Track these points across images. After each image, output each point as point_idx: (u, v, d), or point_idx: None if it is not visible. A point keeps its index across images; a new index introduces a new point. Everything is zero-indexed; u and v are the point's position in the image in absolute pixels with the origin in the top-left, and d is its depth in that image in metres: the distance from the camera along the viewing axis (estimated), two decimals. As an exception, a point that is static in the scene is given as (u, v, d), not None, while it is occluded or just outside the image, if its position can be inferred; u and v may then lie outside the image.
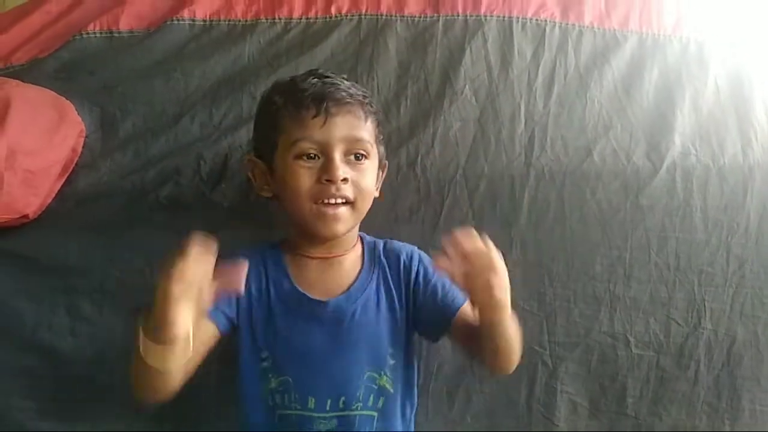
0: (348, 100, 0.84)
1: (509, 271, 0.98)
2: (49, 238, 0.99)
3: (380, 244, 0.91)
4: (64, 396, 0.99)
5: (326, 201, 0.82)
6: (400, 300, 0.87)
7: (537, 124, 1.05)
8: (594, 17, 1.13)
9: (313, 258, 0.88)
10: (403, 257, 0.89)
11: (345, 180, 0.81)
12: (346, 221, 0.83)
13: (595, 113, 1.07)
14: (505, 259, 0.99)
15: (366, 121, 0.85)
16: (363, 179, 0.84)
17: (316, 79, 0.85)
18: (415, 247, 0.92)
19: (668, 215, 1.03)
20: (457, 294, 0.85)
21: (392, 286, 0.87)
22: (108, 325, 0.98)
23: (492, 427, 1.02)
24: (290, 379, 0.83)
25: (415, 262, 0.89)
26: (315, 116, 0.82)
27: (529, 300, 1.01)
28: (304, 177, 0.82)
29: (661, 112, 1.08)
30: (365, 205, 0.85)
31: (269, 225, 1.00)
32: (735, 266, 1.04)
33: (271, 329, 0.85)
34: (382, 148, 0.90)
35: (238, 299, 0.85)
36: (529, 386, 1.01)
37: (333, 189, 0.81)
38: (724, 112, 1.10)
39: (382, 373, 0.84)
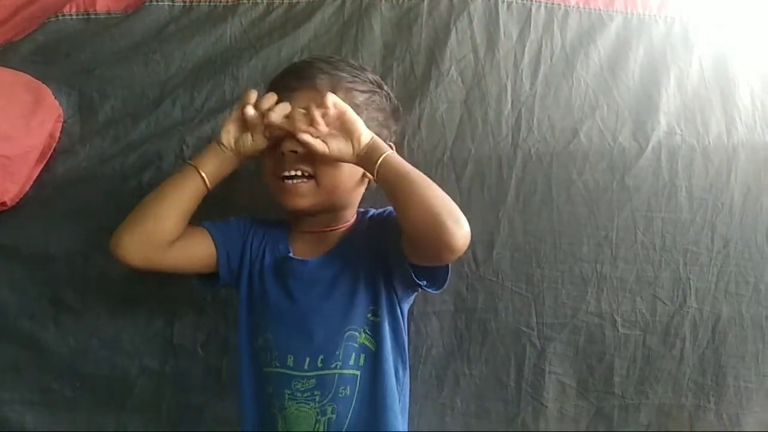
0: (313, 74, 0.82)
1: (498, 253, 1.01)
2: (28, 225, 0.97)
3: (371, 211, 0.91)
4: (47, 387, 0.98)
5: (283, 174, 0.81)
6: (379, 258, 0.85)
7: (523, 105, 1.05)
8: (580, -4, 1.12)
9: (309, 232, 0.89)
10: (384, 215, 0.88)
11: (294, 152, 0.80)
12: (307, 195, 0.82)
13: (581, 93, 1.06)
14: (493, 241, 1.01)
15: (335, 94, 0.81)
16: None
17: (304, 61, 0.85)
18: None
19: (654, 195, 1.04)
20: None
21: (374, 246, 0.85)
22: (91, 313, 0.97)
23: (481, 409, 1.02)
24: (270, 337, 0.84)
25: (392, 214, 0.85)
26: (280, 93, 0.82)
27: (517, 281, 1.01)
28: (267, 153, 0.83)
29: (647, 92, 1.08)
30: (332, 182, 0.82)
31: (253, 208, 0.99)
32: (720, 245, 1.05)
33: (260, 287, 0.86)
34: (376, 130, 0.84)
35: (242, 254, 0.87)
36: (517, 368, 1.01)
37: (285, 163, 0.80)
38: (708, 92, 1.10)
39: (362, 331, 0.83)
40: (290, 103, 0.80)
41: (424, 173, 0.98)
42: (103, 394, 0.98)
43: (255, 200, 0.99)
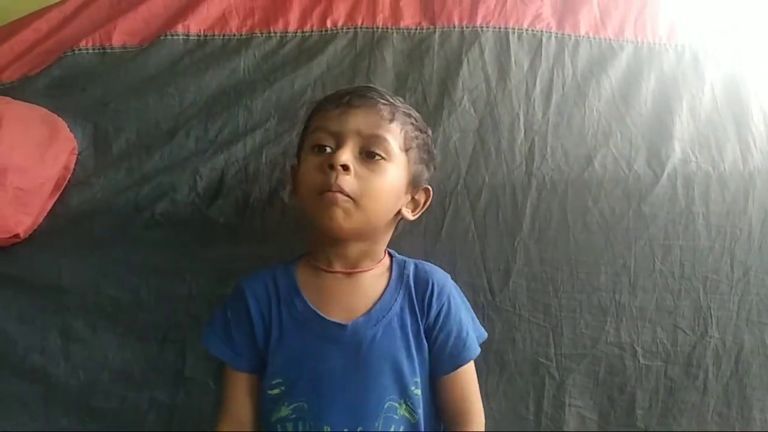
0: (375, 98, 0.82)
1: (514, 282, 0.99)
2: (40, 257, 0.96)
3: (411, 264, 0.86)
4: (56, 423, 0.95)
5: (326, 190, 0.77)
6: (423, 324, 0.82)
7: (536, 133, 1.05)
8: (589, 27, 1.13)
9: (332, 272, 0.83)
10: (430, 288, 0.83)
11: (346, 168, 0.77)
12: (347, 214, 0.77)
13: (594, 122, 1.06)
14: (509, 270, 0.99)
15: (391, 122, 0.81)
16: (374, 178, 0.78)
17: (361, 86, 0.86)
18: (448, 279, 0.87)
19: (671, 223, 1.02)
20: (456, 357, 0.83)
21: (417, 311, 0.82)
22: (102, 346, 0.95)
23: (501, 444, 0.99)
24: (305, 405, 0.78)
25: (441, 298, 0.83)
26: (336, 108, 0.81)
27: (534, 311, 0.99)
28: (313, 167, 0.79)
29: (660, 119, 1.08)
30: (372, 208, 0.79)
31: (266, 240, 0.98)
32: (740, 273, 1.03)
33: (284, 353, 0.81)
34: (420, 168, 0.85)
35: (254, 331, 0.82)
36: (536, 400, 0.98)
37: (333, 176, 0.76)
38: (722, 118, 1.09)
39: (404, 402, 0.79)
40: (349, 119, 0.80)
41: (439, 202, 1.00)
42: (114, 428, 0.96)
43: (266, 228, 0.99)
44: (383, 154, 0.79)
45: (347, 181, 0.77)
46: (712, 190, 1.04)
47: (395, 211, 0.84)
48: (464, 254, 0.99)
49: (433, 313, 0.82)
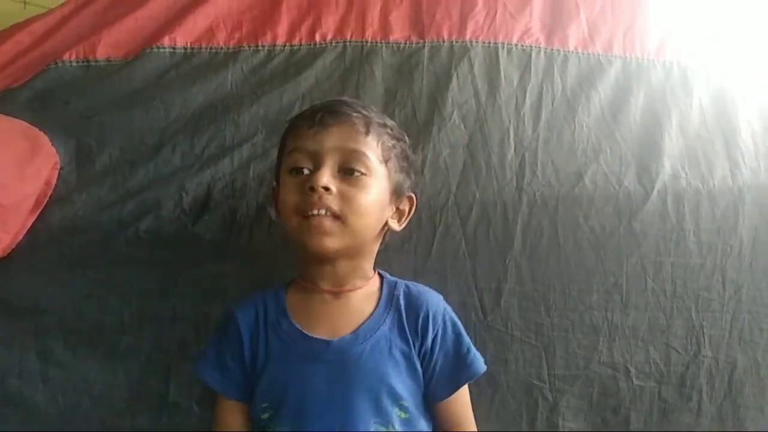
0: (348, 112, 0.80)
1: (506, 301, 0.98)
2: (19, 276, 0.93)
3: (402, 285, 0.84)
4: (34, 448, 0.92)
5: (310, 213, 0.75)
6: (416, 348, 0.79)
7: (527, 149, 1.04)
8: (578, 42, 1.13)
9: (320, 292, 0.81)
10: (424, 312, 0.81)
11: (327, 189, 0.75)
12: (332, 235, 0.76)
13: (584, 137, 1.06)
14: (500, 288, 0.98)
15: (367, 135, 0.79)
16: (356, 194, 0.77)
17: (333, 100, 0.83)
18: (442, 300, 0.85)
19: (662, 240, 1.02)
20: (458, 376, 0.81)
21: (408, 335, 0.80)
22: (82, 369, 0.92)
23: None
24: (289, 430, 0.76)
25: (437, 321, 0.81)
26: (310, 127, 0.79)
27: (526, 331, 0.97)
28: (293, 190, 0.78)
29: (650, 135, 1.07)
30: (360, 224, 0.77)
31: (254, 258, 0.96)
32: (731, 291, 1.02)
33: (269, 376, 0.79)
34: (401, 177, 0.84)
35: (242, 357, 0.80)
36: (529, 423, 0.96)
37: (315, 198, 0.75)
38: (710, 134, 1.10)
39: (391, 425, 0.76)
40: (324, 137, 0.78)
41: (429, 219, 0.99)
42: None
43: (254, 245, 0.96)
44: (363, 170, 0.78)
45: (330, 201, 0.76)
46: (702, 206, 1.04)
47: (381, 225, 0.83)
48: (455, 272, 0.98)
49: (429, 337, 0.80)
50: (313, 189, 0.75)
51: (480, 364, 0.82)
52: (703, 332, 1.01)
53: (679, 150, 1.07)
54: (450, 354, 0.81)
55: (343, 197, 0.76)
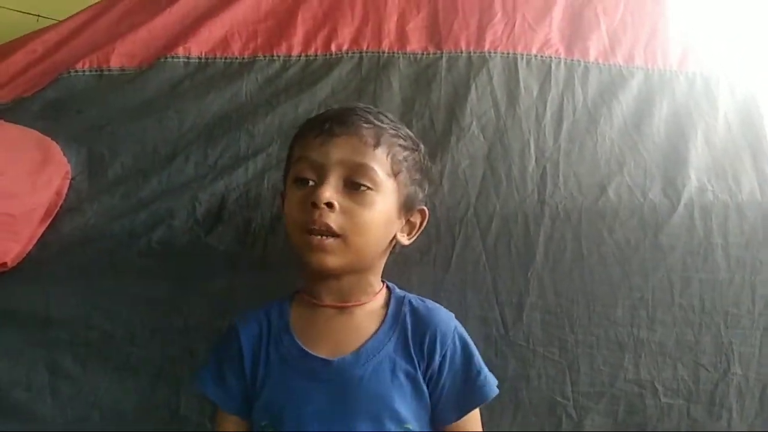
0: (358, 123, 0.76)
1: (528, 316, 0.94)
2: (28, 287, 0.91)
3: (409, 301, 0.80)
4: (41, 465, 0.89)
5: (311, 228, 0.72)
6: (421, 369, 0.75)
7: (548, 160, 1.01)
8: (599, 53, 1.11)
9: (323, 306, 0.78)
10: (431, 332, 0.76)
11: (330, 206, 0.72)
12: (334, 254, 0.73)
13: (606, 149, 1.03)
14: (522, 303, 0.95)
15: (376, 148, 0.76)
16: (361, 212, 0.74)
17: (344, 107, 0.81)
18: (452, 319, 0.80)
19: (689, 254, 0.98)
20: (468, 400, 0.77)
21: (414, 355, 0.75)
22: (92, 383, 0.89)
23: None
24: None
25: (446, 342, 0.76)
26: (316, 136, 0.76)
27: (549, 347, 0.94)
28: (296, 203, 0.75)
29: (674, 147, 1.05)
30: (362, 242, 0.74)
31: (269, 270, 0.93)
32: (761, 306, 0.99)
33: (268, 394, 0.75)
34: (412, 189, 0.80)
35: (243, 372, 0.77)
36: (553, 442, 0.93)
37: (316, 215, 0.72)
38: (737, 147, 1.07)
39: None
40: (330, 149, 0.75)
41: (448, 230, 0.96)
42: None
43: (268, 257, 0.94)
44: (369, 184, 0.75)
45: (332, 219, 0.73)
46: (731, 220, 1.01)
47: (388, 240, 0.79)
48: (475, 286, 0.95)
49: (437, 359, 0.75)
50: (315, 205, 0.72)
51: (491, 387, 0.77)
52: (733, 349, 0.98)
53: (705, 162, 1.04)
54: (459, 376, 0.76)
55: (347, 214, 0.73)
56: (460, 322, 0.89)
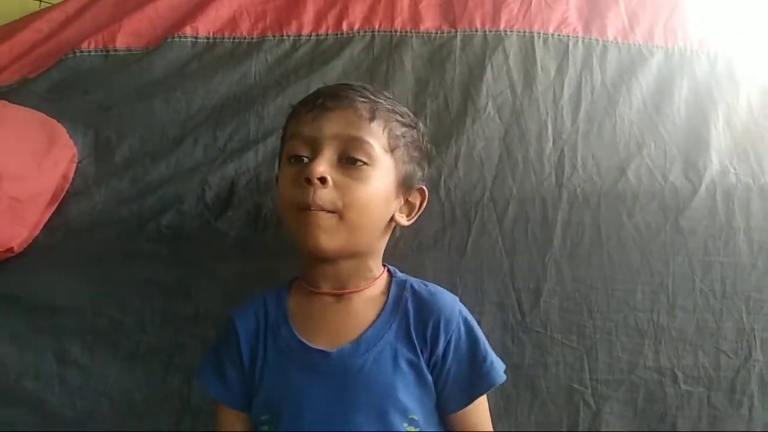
0: (352, 96, 0.73)
1: (545, 302, 0.92)
2: (35, 273, 0.89)
3: (411, 285, 0.77)
4: (50, 453, 0.88)
5: (304, 206, 0.69)
6: (424, 356, 0.72)
7: (566, 142, 0.99)
8: (617, 32, 1.08)
9: (321, 294, 0.75)
10: (435, 317, 0.73)
11: (323, 180, 0.69)
12: (329, 233, 0.70)
13: (626, 131, 1.01)
14: (539, 288, 0.93)
15: (372, 122, 0.73)
16: (356, 187, 0.70)
17: (339, 84, 0.78)
18: (457, 302, 0.77)
19: (711, 238, 0.96)
20: (476, 386, 0.73)
21: (415, 341, 0.72)
22: (101, 371, 0.87)
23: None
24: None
25: (450, 327, 0.73)
26: (309, 111, 0.73)
27: (567, 333, 0.92)
28: (289, 181, 0.72)
29: (695, 129, 1.02)
30: (360, 220, 0.71)
31: (280, 255, 0.91)
32: (784, 292, 0.96)
33: (267, 387, 0.73)
34: (410, 167, 0.77)
35: (242, 365, 0.75)
36: (571, 430, 0.91)
37: (310, 191, 0.69)
38: (759, 128, 1.04)
39: None
40: (323, 123, 0.72)
41: (464, 215, 0.94)
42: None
43: (280, 242, 0.91)
44: (365, 159, 0.72)
45: (326, 195, 0.69)
46: (753, 203, 0.98)
47: (386, 219, 0.76)
48: (492, 272, 0.92)
49: (441, 345, 0.72)
50: (308, 180, 0.69)
51: (498, 373, 0.74)
52: (755, 335, 0.95)
53: (727, 144, 1.01)
54: (465, 362, 0.73)
55: (342, 190, 0.70)
56: (477, 308, 0.87)
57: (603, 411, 0.91)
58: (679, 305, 0.94)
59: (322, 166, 0.70)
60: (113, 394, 0.87)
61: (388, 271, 0.80)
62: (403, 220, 0.79)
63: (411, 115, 0.81)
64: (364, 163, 0.72)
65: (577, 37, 1.06)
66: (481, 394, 0.75)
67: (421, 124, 0.83)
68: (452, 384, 0.73)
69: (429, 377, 0.72)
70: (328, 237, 0.70)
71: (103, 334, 0.89)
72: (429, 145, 0.84)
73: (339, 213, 0.70)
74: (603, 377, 0.92)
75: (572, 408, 0.91)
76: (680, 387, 0.93)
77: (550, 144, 0.98)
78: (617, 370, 0.92)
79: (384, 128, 0.74)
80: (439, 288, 0.78)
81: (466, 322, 0.75)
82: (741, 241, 0.97)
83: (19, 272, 0.88)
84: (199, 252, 0.91)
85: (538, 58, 1.04)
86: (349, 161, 0.72)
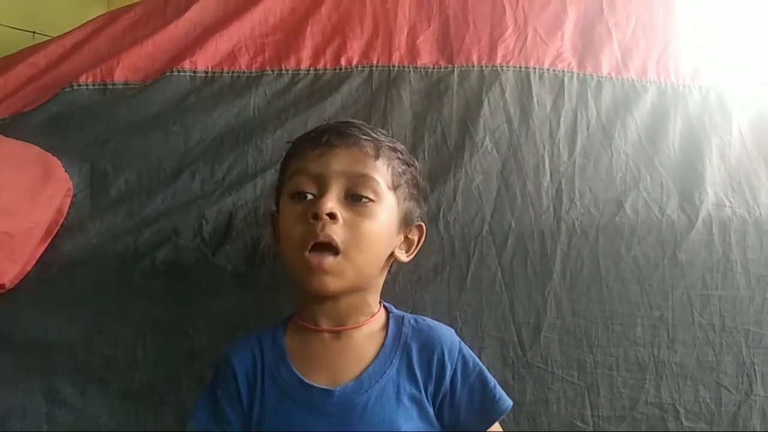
0: (357, 134, 0.74)
1: (545, 336, 0.91)
2: (26, 309, 0.87)
3: (409, 321, 0.76)
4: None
5: (312, 244, 0.69)
6: (427, 392, 0.72)
7: (563, 176, 0.99)
8: (611, 67, 1.10)
9: (320, 331, 0.74)
10: (438, 350, 0.73)
11: (333, 216, 0.69)
12: (336, 273, 0.69)
13: (622, 164, 1.02)
14: (539, 323, 0.92)
15: (377, 159, 0.74)
16: (363, 223, 0.70)
17: (340, 121, 0.78)
18: (456, 337, 0.77)
19: (708, 271, 0.96)
20: (489, 411, 0.73)
21: (418, 376, 0.72)
22: (92, 411, 0.85)
23: None
24: None
25: (453, 356, 0.73)
26: (315, 148, 0.73)
27: (568, 368, 0.91)
28: (294, 219, 0.71)
29: (690, 162, 1.03)
30: (364, 258, 0.71)
31: (279, 290, 0.90)
32: (782, 325, 0.96)
33: (268, 426, 0.71)
34: (410, 205, 0.78)
35: (240, 404, 0.73)
36: (573, 468, 0.89)
37: (318, 227, 0.68)
38: (752, 162, 1.05)
39: None
40: (330, 160, 0.72)
41: (462, 248, 0.94)
42: None
43: (277, 277, 0.90)
44: (371, 196, 0.72)
45: (335, 231, 0.69)
46: (749, 236, 0.99)
47: (386, 255, 0.76)
48: (491, 306, 0.92)
49: (447, 376, 0.72)
50: (316, 217, 0.69)
51: (507, 398, 0.75)
52: (755, 369, 0.95)
53: (722, 177, 1.02)
54: (477, 390, 0.73)
55: (349, 226, 0.70)
56: (477, 343, 0.87)
57: (605, 448, 0.90)
58: (679, 339, 0.94)
59: (331, 202, 0.70)
60: (104, 435, 0.84)
61: (384, 306, 0.79)
62: (403, 257, 0.79)
63: (408, 153, 0.82)
64: (370, 200, 0.72)
65: (572, 72, 1.08)
66: (498, 418, 0.74)
67: (416, 162, 0.83)
68: (467, 413, 0.73)
69: (431, 412, 0.72)
70: (334, 280, 0.70)
71: (95, 372, 0.86)
72: (424, 183, 0.85)
73: (344, 252, 0.70)
74: (604, 413, 0.91)
75: (574, 445, 0.90)
76: (682, 423, 0.92)
77: (548, 178, 0.99)
78: (619, 406, 0.91)
79: (388, 166, 0.75)
80: (435, 321, 0.79)
81: (467, 350, 0.76)
82: (738, 275, 0.97)
83: (10, 309, 0.86)
84: (195, 287, 0.89)
85: (534, 93, 1.05)
86: (355, 198, 0.72)
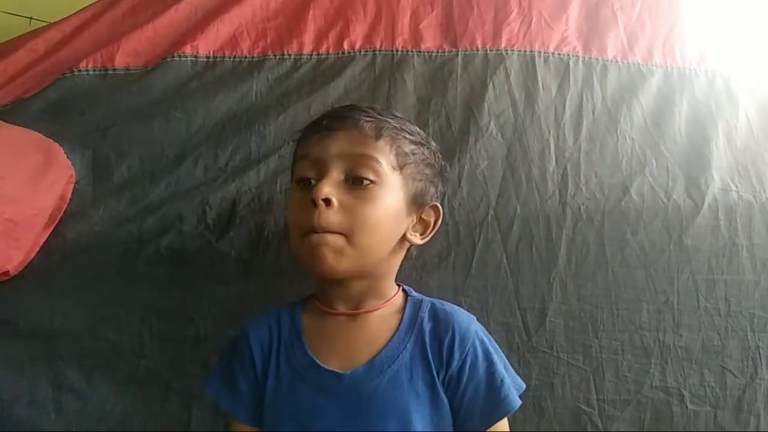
0: (357, 116, 0.73)
1: (551, 321, 0.91)
2: (30, 297, 0.87)
3: (427, 304, 0.75)
4: (45, 484, 0.85)
5: (309, 230, 0.68)
6: (440, 376, 0.71)
7: (569, 161, 0.99)
8: (617, 51, 1.08)
9: (335, 314, 0.74)
10: (450, 335, 0.72)
11: (328, 202, 0.68)
12: (337, 256, 0.69)
13: (628, 149, 1.01)
14: (545, 308, 0.92)
15: (378, 140, 0.72)
16: (363, 208, 0.69)
17: (345, 105, 0.78)
18: (474, 321, 0.75)
19: (714, 256, 0.96)
20: (490, 411, 0.72)
21: (432, 360, 0.71)
22: (98, 397, 0.85)
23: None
24: None
25: (465, 345, 0.72)
26: (315, 133, 0.73)
27: (573, 353, 0.91)
28: (296, 205, 0.72)
29: (696, 146, 1.02)
30: (369, 242, 0.70)
31: (283, 276, 0.90)
32: (788, 309, 0.96)
33: (278, 408, 0.72)
34: (422, 185, 0.76)
35: (255, 377, 0.73)
36: (578, 452, 0.90)
37: (315, 214, 0.68)
38: (759, 146, 1.04)
39: None
40: (329, 143, 0.72)
41: (468, 234, 0.93)
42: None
43: (281, 263, 0.90)
44: (372, 177, 0.71)
45: (331, 217, 0.68)
46: (755, 220, 0.98)
47: (397, 239, 0.75)
48: (496, 291, 0.91)
49: (456, 363, 0.71)
50: (313, 201, 0.68)
51: (514, 398, 0.72)
52: (760, 353, 0.94)
53: (728, 162, 1.01)
54: (482, 387, 0.72)
55: (348, 211, 0.69)
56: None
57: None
58: (684, 324, 0.93)
59: (327, 188, 0.69)
60: (110, 420, 0.85)
61: (404, 290, 0.79)
62: (416, 239, 0.77)
63: (422, 133, 0.80)
64: (371, 182, 0.71)
65: (577, 55, 1.07)
66: (498, 420, 0.73)
67: (433, 142, 0.82)
68: (468, 408, 0.71)
69: (444, 398, 0.71)
70: (337, 258, 0.69)
71: (101, 358, 0.86)
72: (443, 163, 0.83)
73: (348, 235, 0.69)
74: (610, 397, 0.91)
75: (579, 429, 0.90)
76: (687, 406, 0.92)
77: (553, 162, 0.98)
78: (624, 390, 0.91)
79: (391, 146, 0.73)
80: (456, 307, 0.77)
81: (482, 343, 0.74)
82: (744, 259, 0.96)
83: (15, 296, 0.86)
84: (199, 273, 0.89)
85: (539, 77, 1.04)
86: (356, 181, 0.71)
